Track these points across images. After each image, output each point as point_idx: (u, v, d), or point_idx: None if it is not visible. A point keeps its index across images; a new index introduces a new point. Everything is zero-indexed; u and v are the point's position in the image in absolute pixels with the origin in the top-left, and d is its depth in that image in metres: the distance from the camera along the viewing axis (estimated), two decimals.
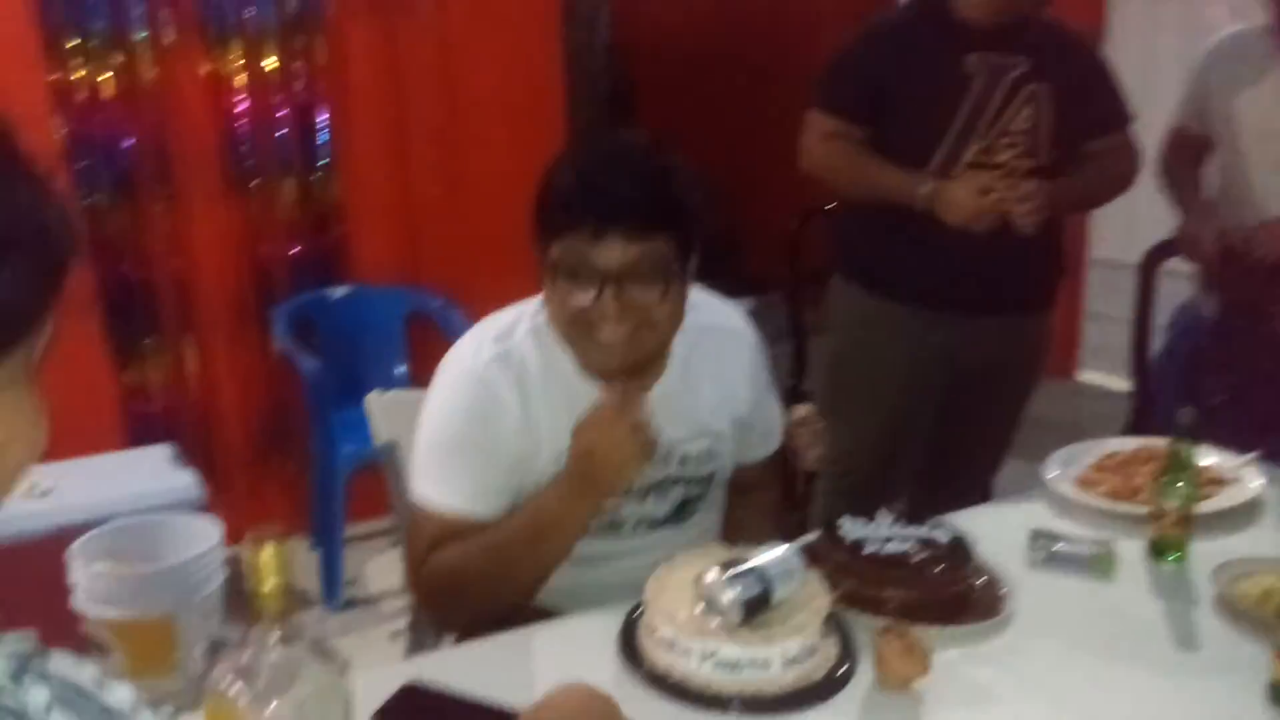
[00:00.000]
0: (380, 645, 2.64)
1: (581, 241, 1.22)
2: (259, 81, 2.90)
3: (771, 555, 1.14)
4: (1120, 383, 4.44)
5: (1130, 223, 3.99)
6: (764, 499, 1.59)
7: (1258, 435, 2.16)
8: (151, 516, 2.44)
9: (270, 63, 2.90)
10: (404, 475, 1.68)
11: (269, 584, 0.76)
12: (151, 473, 2.67)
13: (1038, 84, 2.03)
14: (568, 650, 1.24)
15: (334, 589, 2.83)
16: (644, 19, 5.92)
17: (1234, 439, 1.73)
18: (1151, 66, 4.15)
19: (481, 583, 1.29)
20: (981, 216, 1.97)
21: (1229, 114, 2.27)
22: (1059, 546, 1.42)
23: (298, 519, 3.07)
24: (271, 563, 0.75)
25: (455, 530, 1.31)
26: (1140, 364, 2.45)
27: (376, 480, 2.77)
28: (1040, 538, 1.44)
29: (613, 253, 1.22)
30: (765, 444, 1.58)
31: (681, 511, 1.44)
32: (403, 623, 2.55)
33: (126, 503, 2.48)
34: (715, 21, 5.47)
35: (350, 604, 2.87)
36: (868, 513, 1.37)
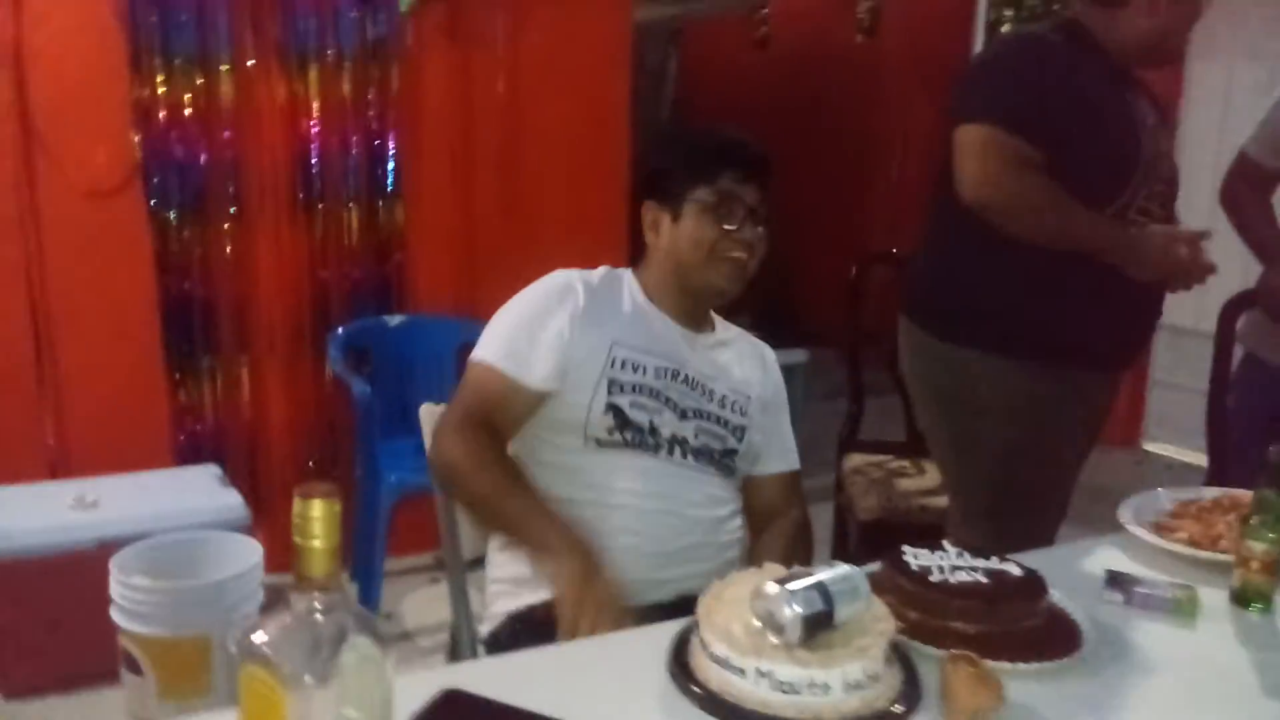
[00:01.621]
0: (405, 678, 2.58)
1: (733, 181, 1.56)
2: (333, 107, 2.96)
3: (835, 572, 1.08)
4: (1185, 454, 4.33)
5: (1197, 289, 3.90)
6: (787, 524, 1.67)
7: None
8: (193, 534, 2.43)
9: (345, 89, 2.96)
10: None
11: (316, 543, 0.72)
12: (197, 491, 2.67)
13: (1165, 130, 1.96)
14: (614, 665, 1.18)
15: None
16: (709, 75, 6.01)
17: None
18: (1225, 124, 4.11)
19: (469, 490, 1.52)
20: (1180, 274, 1.83)
21: None
22: (1137, 589, 1.33)
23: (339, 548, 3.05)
24: (321, 520, 0.71)
25: (498, 389, 1.51)
26: (1216, 422, 2.35)
27: (419, 513, 2.76)
28: (1117, 579, 1.36)
29: (753, 193, 1.58)
30: (783, 458, 1.72)
31: (712, 453, 1.59)
32: (439, 659, 2.50)
33: (170, 519, 2.47)
34: (776, 77, 5.53)
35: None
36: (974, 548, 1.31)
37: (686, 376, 1.59)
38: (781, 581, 1.06)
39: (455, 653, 1.69)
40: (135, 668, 2.21)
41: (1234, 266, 3.88)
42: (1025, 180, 1.76)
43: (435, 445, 1.53)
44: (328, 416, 3.08)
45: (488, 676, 1.17)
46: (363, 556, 2.87)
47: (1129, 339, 2.02)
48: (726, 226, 1.56)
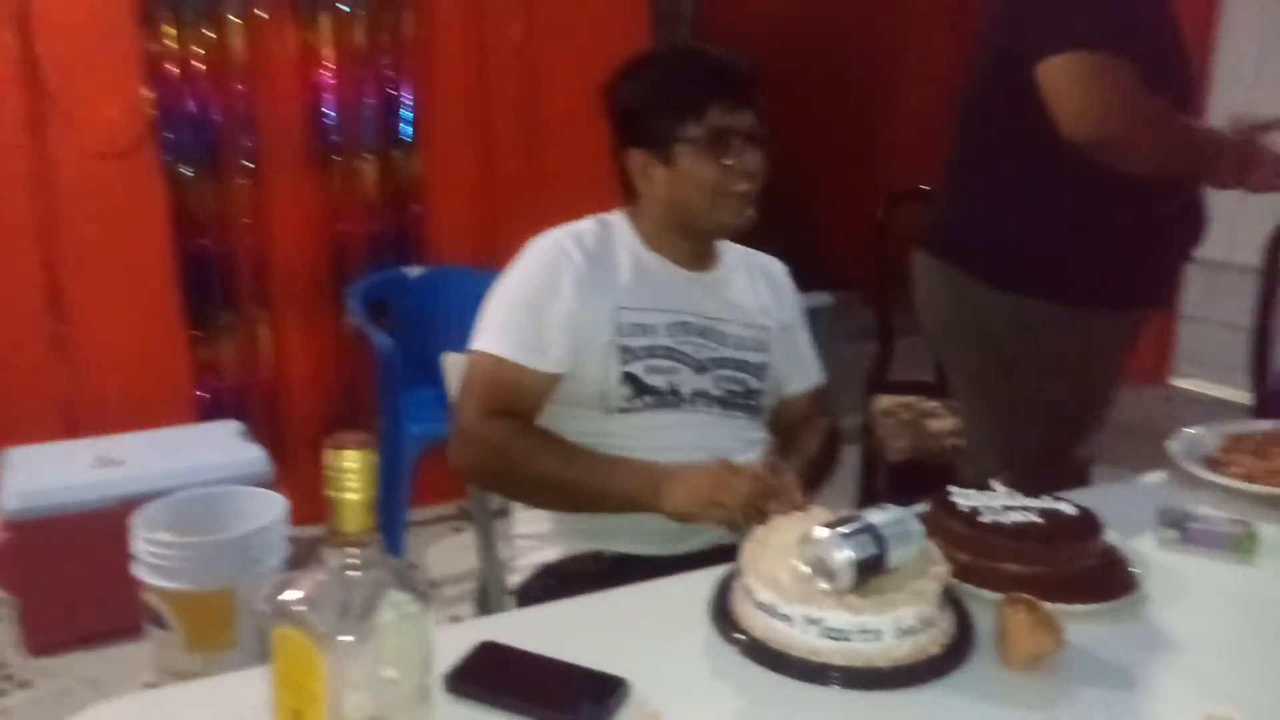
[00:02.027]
0: (441, 628, 2.58)
1: (724, 113, 1.44)
2: (346, 57, 2.89)
3: (885, 515, 1.04)
4: (1214, 389, 4.26)
5: (1231, 222, 3.80)
6: (818, 425, 1.64)
7: None
8: (216, 489, 2.42)
9: (358, 38, 2.89)
10: None
11: (351, 495, 0.68)
12: (219, 447, 2.66)
13: None
14: (654, 614, 1.15)
15: None
16: (727, 13, 5.86)
17: None
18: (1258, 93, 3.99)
19: (516, 477, 1.43)
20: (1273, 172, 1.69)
21: None
22: (1193, 526, 1.29)
23: None
24: (357, 471, 0.67)
25: (509, 379, 1.42)
26: (1261, 354, 2.27)
27: (441, 463, 2.73)
28: (1171, 515, 1.31)
29: (747, 119, 1.46)
30: (806, 374, 1.67)
31: (736, 399, 1.53)
32: (465, 607, 2.50)
33: (192, 475, 2.47)
34: (795, 14, 5.39)
35: None
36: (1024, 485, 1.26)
37: (700, 326, 1.51)
38: (831, 525, 1.02)
39: (484, 604, 1.67)
40: (160, 622, 2.21)
41: (1269, 195, 3.78)
42: (1148, 105, 1.60)
43: (459, 447, 1.44)
44: (348, 370, 3.06)
45: (523, 628, 1.14)
46: (387, 508, 2.85)
47: (1175, 272, 1.94)
48: (726, 162, 1.45)
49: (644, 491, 1.35)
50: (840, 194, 5.03)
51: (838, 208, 4.51)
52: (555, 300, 1.44)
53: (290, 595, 0.69)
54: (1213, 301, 4.12)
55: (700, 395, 1.49)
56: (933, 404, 2.78)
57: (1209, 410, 4.03)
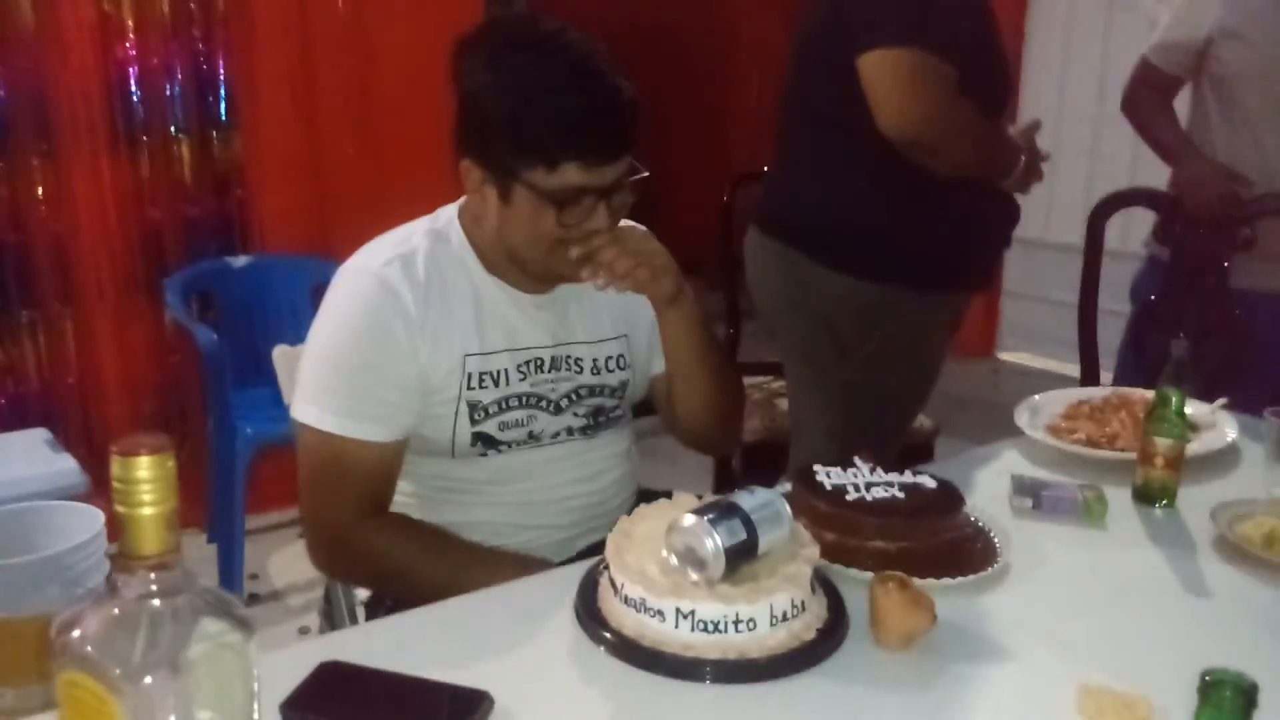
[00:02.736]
0: (287, 643, 2.42)
1: (582, 170, 1.19)
2: (151, 27, 2.65)
3: (753, 498, 0.99)
4: (1038, 360, 4.49)
5: (1050, 202, 4.01)
6: None
7: (1208, 392, 2.12)
8: (22, 505, 2.17)
9: (164, 6, 2.65)
10: None
11: (148, 510, 0.57)
12: (24, 458, 2.39)
13: None
14: (517, 618, 1.07)
15: (234, 584, 2.59)
16: None
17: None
18: (1070, 45, 4.21)
19: (396, 583, 1.29)
20: (1035, 171, 1.78)
21: (1229, 50, 2.12)
22: (1045, 493, 1.31)
23: (193, 510, 2.82)
24: (152, 481, 0.56)
25: (350, 455, 1.24)
26: (1088, 323, 2.37)
27: (279, 465, 2.56)
28: (1024, 484, 1.33)
29: (610, 173, 1.21)
30: None
31: (596, 421, 1.39)
32: (313, 618, 2.34)
33: None
34: None
35: (253, 599, 2.63)
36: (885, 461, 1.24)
37: (553, 359, 1.34)
38: (698, 512, 0.97)
39: (331, 617, 1.55)
40: None
41: (1081, 178, 3.99)
42: (960, 108, 1.61)
43: (321, 549, 1.29)
44: (170, 368, 2.82)
45: (372, 642, 1.05)
46: (222, 516, 2.66)
47: (999, 252, 2.00)
48: (566, 221, 1.21)
49: (506, 575, 1.19)
50: (685, 177, 5.01)
51: (683, 191, 4.50)
52: (390, 359, 1.24)
53: (76, 633, 0.57)
54: (1032, 278, 4.34)
55: (561, 432, 1.36)
56: (782, 384, 2.79)
57: (1034, 381, 4.24)
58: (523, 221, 1.23)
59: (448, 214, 1.35)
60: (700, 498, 1.07)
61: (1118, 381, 2.17)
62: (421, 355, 1.26)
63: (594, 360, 1.38)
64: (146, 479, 0.56)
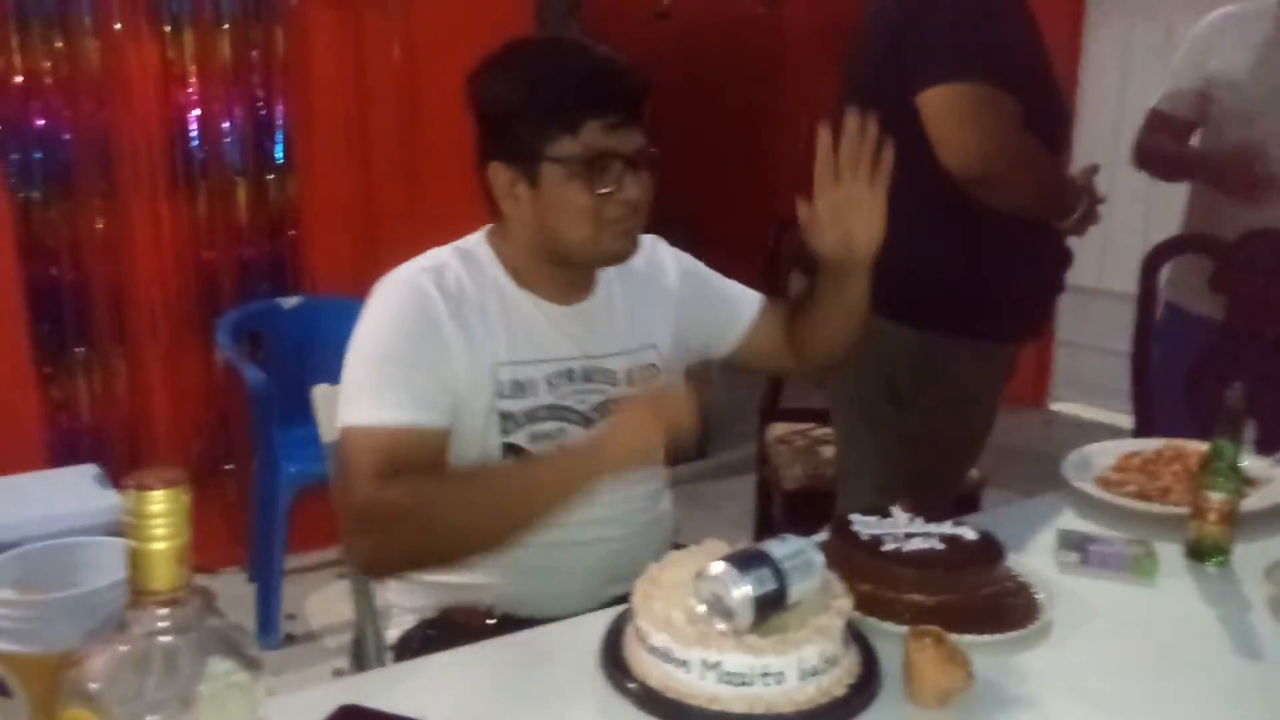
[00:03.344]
0: (322, 684, 2.41)
1: (603, 131, 1.22)
2: (212, 73, 2.73)
3: (784, 546, 0.97)
4: (1091, 411, 4.39)
5: (1103, 249, 3.94)
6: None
7: (1267, 444, 2.05)
8: (68, 540, 2.20)
9: (225, 54, 2.73)
10: None
11: (159, 545, 0.57)
12: (73, 494, 2.44)
13: None
14: (541, 665, 1.05)
15: (271, 624, 2.60)
16: (612, 28, 5.86)
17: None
18: (1125, 84, 4.16)
19: (440, 529, 1.17)
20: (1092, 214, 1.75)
21: (1224, 94, 2.22)
22: (1093, 548, 1.26)
23: (235, 547, 2.85)
24: (165, 516, 0.56)
25: (403, 446, 1.19)
26: (1141, 374, 2.31)
27: (321, 506, 2.57)
28: (1070, 538, 1.28)
29: (630, 138, 1.24)
30: (745, 304, 1.51)
31: None
32: (344, 660, 2.34)
33: (42, 526, 2.23)
34: (679, 49, 5.42)
35: (290, 640, 2.63)
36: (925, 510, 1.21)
37: (584, 371, 1.33)
38: (727, 560, 0.95)
39: (360, 660, 1.54)
40: (4, 690, 1.99)
41: (1137, 225, 3.92)
42: (1026, 142, 1.58)
43: (359, 534, 1.19)
44: (218, 407, 2.86)
45: (395, 686, 1.04)
46: (262, 554, 2.67)
47: (1053, 299, 1.96)
48: (601, 191, 1.22)
49: (579, 470, 1.16)
50: (732, 220, 5.02)
51: (729, 234, 4.51)
52: (433, 350, 1.23)
53: (84, 670, 0.57)
54: (1086, 327, 4.26)
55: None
56: (826, 430, 2.76)
57: (1087, 432, 4.15)
58: (557, 201, 1.24)
59: (474, 237, 1.37)
60: (732, 545, 1.05)
61: (1169, 435, 2.12)
62: (454, 356, 1.24)
63: (629, 370, 1.37)
64: (159, 514, 0.56)
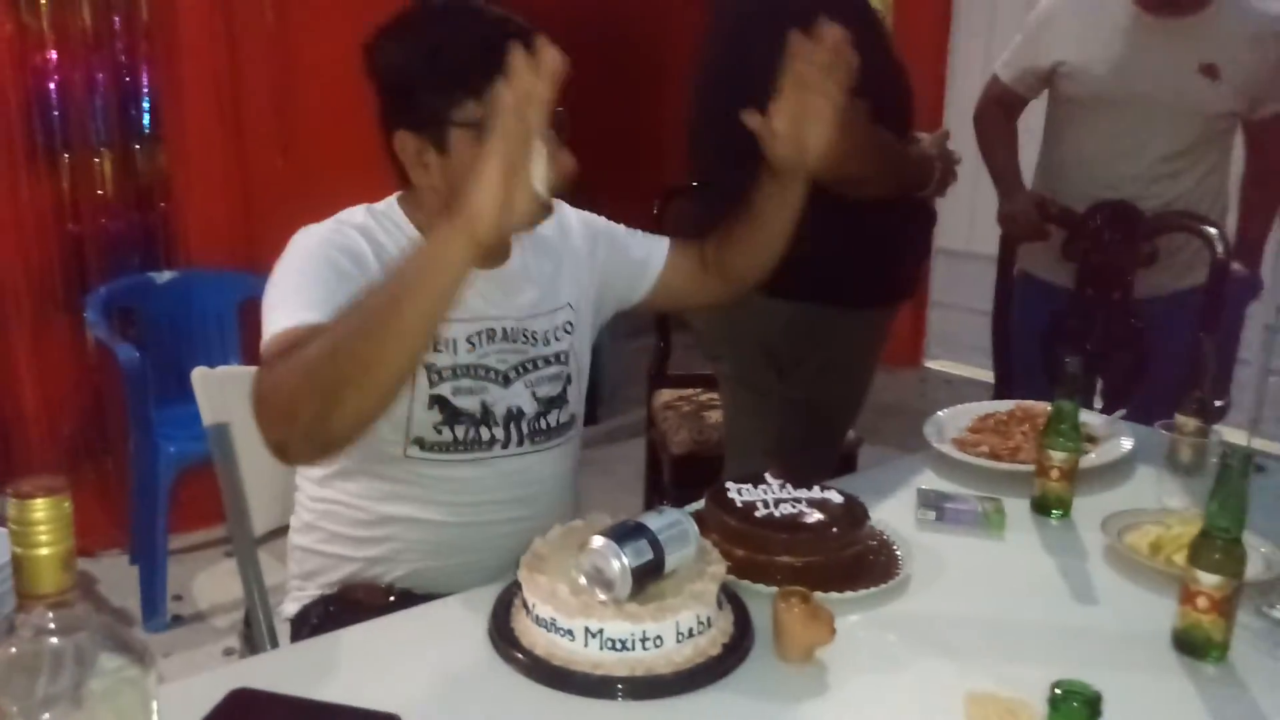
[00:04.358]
0: (212, 665, 2.39)
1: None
2: (73, 40, 2.61)
3: (660, 518, 1.03)
4: (963, 369, 4.61)
5: (971, 214, 4.12)
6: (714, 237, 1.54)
7: (1113, 401, 2.22)
8: None
9: (85, 19, 2.61)
10: (236, 462, 1.50)
11: (44, 551, 0.58)
12: None
13: None
14: (433, 639, 1.09)
15: (157, 606, 2.56)
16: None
17: (1090, 405, 1.73)
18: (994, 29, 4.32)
19: (340, 366, 1.04)
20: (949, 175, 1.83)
21: (1072, 78, 2.28)
22: (948, 505, 1.36)
23: (115, 530, 2.78)
24: (49, 523, 0.58)
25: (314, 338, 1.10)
26: (1000, 338, 2.47)
27: (202, 485, 2.53)
28: (928, 496, 1.38)
29: None
30: (656, 246, 1.56)
31: (553, 410, 1.39)
32: (237, 639, 2.32)
33: None
34: (573, 8, 5.37)
35: (177, 620, 2.59)
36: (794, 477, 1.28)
37: (505, 331, 1.35)
38: (606, 534, 1.00)
39: (250, 639, 1.54)
40: None
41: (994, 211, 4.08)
42: (874, 137, 1.64)
43: (267, 416, 1.09)
44: (92, 387, 2.77)
45: (288, 667, 1.06)
46: (144, 537, 2.61)
47: (920, 262, 2.07)
48: None
49: (449, 240, 1.03)
50: (617, 187, 5.04)
51: (615, 200, 4.53)
52: (357, 278, 1.19)
53: None
54: (956, 288, 4.46)
55: (513, 419, 1.35)
56: (711, 395, 2.84)
57: (959, 390, 4.35)
58: (465, 165, 1.14)
59: (386, 202, 1.36)
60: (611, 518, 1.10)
61: (1029, 394, 2.27)
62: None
63: (546, 332, 1.40)
64: (43, 520, 0.58)
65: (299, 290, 1.19)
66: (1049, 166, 2.42)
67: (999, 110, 2.45)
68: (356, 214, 1.32)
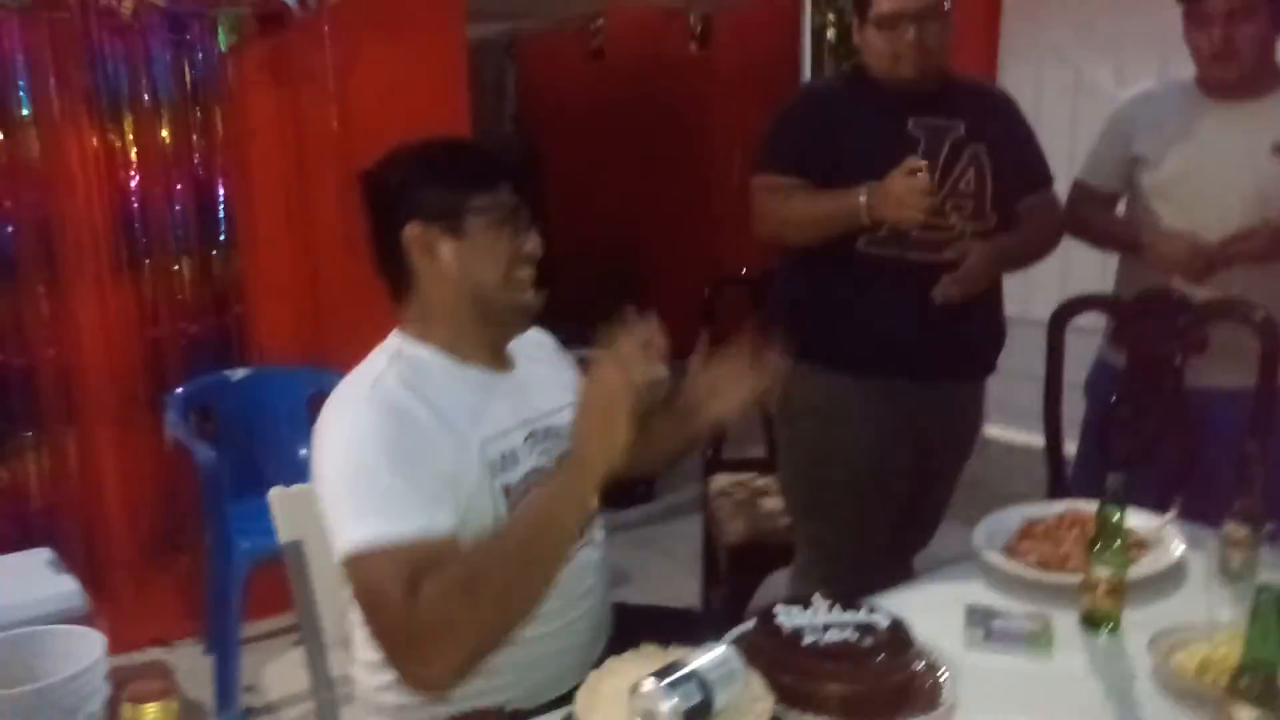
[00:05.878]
0: None
1: (511, 191, 1.40)
2: (154, 156, 2.80)
3: (710, 657, 1.08)
4: (1024, 437, 4.55)
5: (1029, 279, 4.11)
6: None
7: (1167, 493, 2.20)
8: (24, 631, 2.23)
9: (165, 136, 2.80)
10: (309, 578, 1.58)
11: None
12: (26, 580, 2.45)
13: (976, 145, 2.05)
14: None
15: (229, 698, 2.64)
16: (548, 86, 5.96)
17: (1145, 497, 1.74)
18: (1038, 124, 4.34)
19: (485, 603, 1.18)
20: (921, 207, 1.90)
21: (1150, 169, 2.27)
22: (996, 624, 1.38)
23: (190, 621, 2.89)
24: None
25: (422, 554, 1.18)
26: (1052, 422, 2.46)
27: (275, 574, 2.61)
28: (976, 614, 1.40)
29: (526, 202, 1.42)
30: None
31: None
32: None
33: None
34: (617, 90, 5.52)
35: (249, 713, 2.67)
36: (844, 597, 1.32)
37: (544, 430, 1.44)
38: (656, 675, 1.05)
39: None
40: None
41: (1054, 274, 4.11)
42: (783, 201, 2.06)
43: (407, 661, 1.20)
44: (170, 483, 2.90)
45: None
46: (218, 629, 2.71)
47: (915, 344, 2.09)
48: (516, 240, 1.39)
49: (573, 476, 1.22)
50: (664, 270, 5.13)
51: (662, 285, 4.61)
52: (421, 447, 1.26)
53: None
54: (1014, 354, 4.42)
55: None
56: (765, 479, 2.87)
57: (1020, 459, 4.30)
58: (482, 246, 1.38)
59: (390, 342, 1.41)
60: (667, 646, 1.16)
61: (1077, 481, 2.27)
62: (444, 449, 1.29)
63: (563, 428, 1.40)
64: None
65: (379, 497, 1.21)
66: (1129, 260, 2.40)
67: (1089, 204, 2.41)
68: (380, 365, 1.35)
